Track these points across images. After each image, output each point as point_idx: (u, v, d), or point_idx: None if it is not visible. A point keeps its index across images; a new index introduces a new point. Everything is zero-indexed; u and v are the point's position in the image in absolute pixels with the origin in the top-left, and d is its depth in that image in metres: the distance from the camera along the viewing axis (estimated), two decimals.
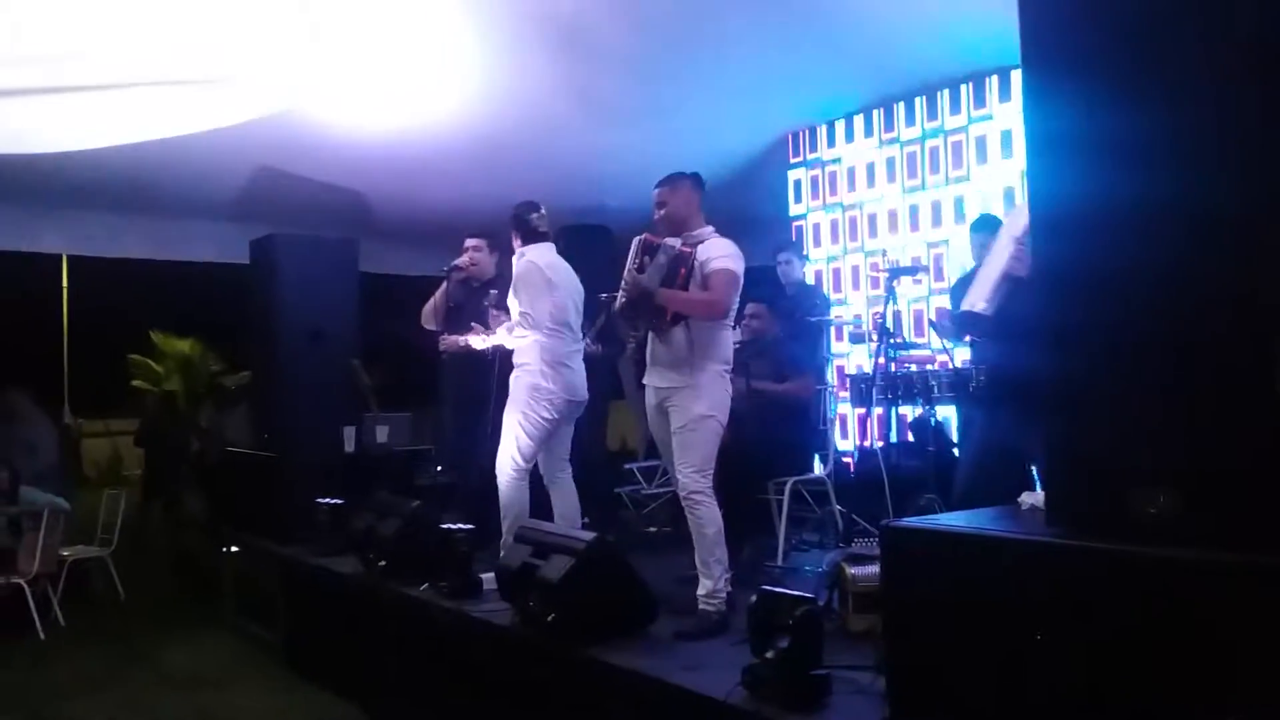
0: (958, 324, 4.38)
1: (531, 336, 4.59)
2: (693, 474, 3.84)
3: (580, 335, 4.83)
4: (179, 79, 6.11)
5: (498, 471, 4.62)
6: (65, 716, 4.87)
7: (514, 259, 4.78)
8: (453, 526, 4.62)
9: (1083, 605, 2.12)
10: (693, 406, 3.88)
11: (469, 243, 5.72)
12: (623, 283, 3.92)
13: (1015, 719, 2.25)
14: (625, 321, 4.14)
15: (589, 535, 3.86)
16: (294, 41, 5.82)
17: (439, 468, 6.40)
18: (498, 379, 4.84)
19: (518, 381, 4.65)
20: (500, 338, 4.85)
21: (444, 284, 5.65)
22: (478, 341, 4.92)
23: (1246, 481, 1.97)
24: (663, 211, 4.05)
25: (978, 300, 3.91)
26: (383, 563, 4.87)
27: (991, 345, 4.18)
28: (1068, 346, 2.31)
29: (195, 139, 6.78)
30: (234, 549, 6.56)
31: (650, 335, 4.06)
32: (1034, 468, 3.96)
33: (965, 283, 4.46)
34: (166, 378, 13.85)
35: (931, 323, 5.65)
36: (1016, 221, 3.98)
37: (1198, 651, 1.92)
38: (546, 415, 4.58)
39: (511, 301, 4.72)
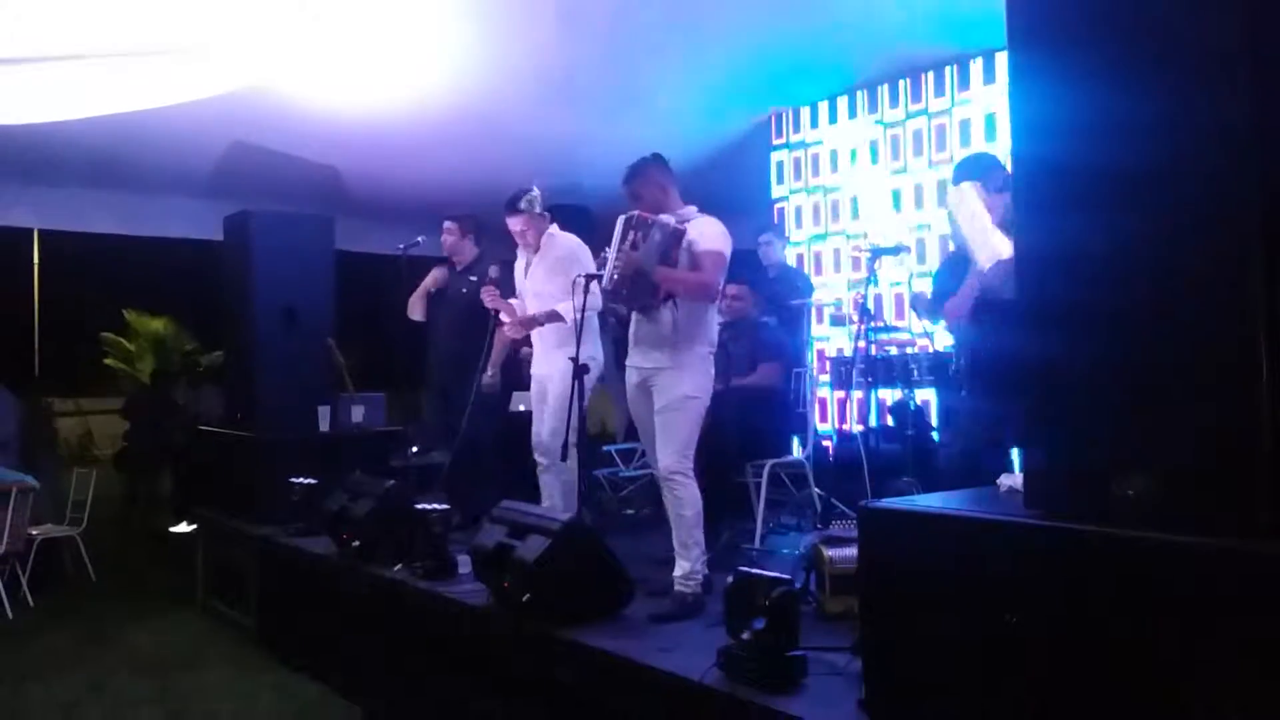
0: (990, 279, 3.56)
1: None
2: (674, 455, 3.81)
3: None
4: (153, 50, 6.01)
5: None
6: (32, 697, 4.80)
7: (546, 236, 4.74)
8: (427, 507, 4.57)
9: (1060, 588, 2.11)
10: (676, 387, 3.84)
11: (445, 225, 5.71)
12: (613, 260, 3.85)
13: (991, 701, 2.24)
14: (613, 300, 4.08)
15: (565, 516, 3.83)
16: (270, 15, 5.73)
17: (414, 448, 6.35)
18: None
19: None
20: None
21: (432, 272, 5.73)
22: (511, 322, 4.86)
23: (1223, 466, 1.95)
24: (639, 203, 3.97)
25: (1000, 250, 3.34)
26: (356, 543, 4.82)
27: (972, 327, 4.05)
28: (1048, 328, 2.29)
29: (169, 112, 6.69)
30: (206, 528, 6.49)
31: (634, 315, 4.02)
32: (1014, 451, 3.90)
33: (952, 265, 4.15)
34: (139, 357, 13.68)
35: (912, 303, 5.47)
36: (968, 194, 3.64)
37: (1173, 635, 1.91)
38: None
39: (550, 281, 4.66)
